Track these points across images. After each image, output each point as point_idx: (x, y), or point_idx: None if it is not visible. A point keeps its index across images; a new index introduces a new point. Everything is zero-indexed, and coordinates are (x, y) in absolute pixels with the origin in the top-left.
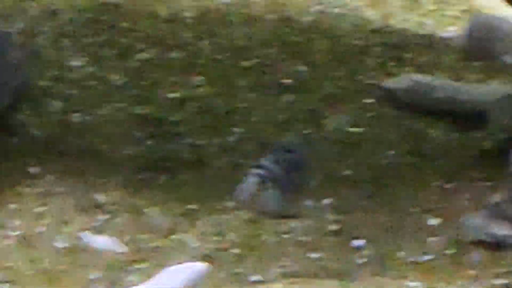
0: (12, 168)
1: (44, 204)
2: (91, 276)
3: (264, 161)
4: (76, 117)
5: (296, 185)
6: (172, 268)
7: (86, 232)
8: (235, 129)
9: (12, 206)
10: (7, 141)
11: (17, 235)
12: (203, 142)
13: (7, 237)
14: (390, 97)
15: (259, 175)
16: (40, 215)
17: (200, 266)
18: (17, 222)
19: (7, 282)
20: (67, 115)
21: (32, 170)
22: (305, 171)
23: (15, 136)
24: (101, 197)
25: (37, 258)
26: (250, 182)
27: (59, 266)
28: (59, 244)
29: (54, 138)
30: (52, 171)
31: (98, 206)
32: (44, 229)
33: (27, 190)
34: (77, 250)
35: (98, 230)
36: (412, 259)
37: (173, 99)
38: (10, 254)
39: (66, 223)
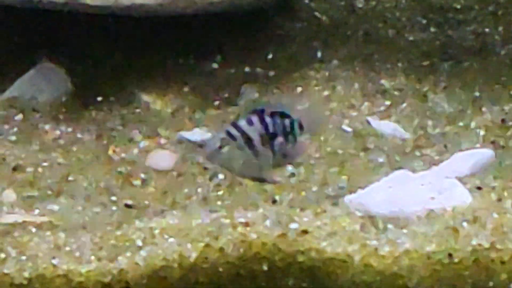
0: (298, 51)
1: (330, 88)
2: (380, 159)
3: (240, 121)
4: (360, 3)
5: (280, 153)
6: (461, 154)
7: (372, 117)
8: None
9: (299, 88)
10: (293, 25)
11: None
12: (487, 29)
13: None
14: None
15: (227, 132)
16: (327, 99)
17: (488, 152)
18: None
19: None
20: (351, 0)
21: (318, 54)
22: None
23: (300, 20)
24: (386, 83)
25: (325, 141)
26: (214, 138)
27: (347, 149)
28: (346, 128)
29: (339, 23)
30: (338, 56)
31: (383, 92)
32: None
33: (313, 73)
34: (364, 134)
35: (384, 115)
36: None
37: None
38: None
39: (352, 107)
